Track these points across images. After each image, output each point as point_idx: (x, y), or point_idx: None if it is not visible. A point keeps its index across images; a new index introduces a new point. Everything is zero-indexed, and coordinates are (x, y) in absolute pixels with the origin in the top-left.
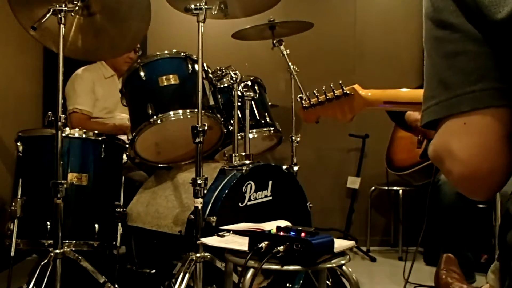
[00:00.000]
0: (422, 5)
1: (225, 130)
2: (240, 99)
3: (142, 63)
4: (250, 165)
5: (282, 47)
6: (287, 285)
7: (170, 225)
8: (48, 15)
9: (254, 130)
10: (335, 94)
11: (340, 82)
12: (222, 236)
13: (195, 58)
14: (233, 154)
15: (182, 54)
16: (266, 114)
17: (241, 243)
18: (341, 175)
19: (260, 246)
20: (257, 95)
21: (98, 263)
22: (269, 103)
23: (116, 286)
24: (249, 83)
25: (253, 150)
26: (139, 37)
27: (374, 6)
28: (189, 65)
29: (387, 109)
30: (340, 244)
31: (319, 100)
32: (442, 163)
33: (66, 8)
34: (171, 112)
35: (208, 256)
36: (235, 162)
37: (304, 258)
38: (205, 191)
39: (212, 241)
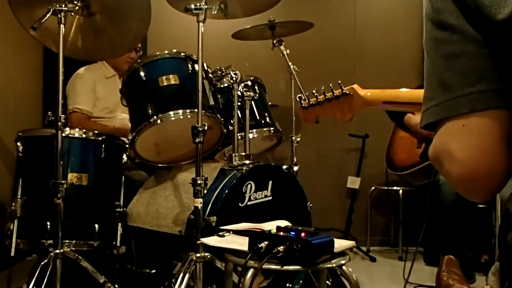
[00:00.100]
0: (422, 5)
1: (225, 130)
2: (240, 99)
3: (142, 63)
4: (250, 165)
5: (282, 47)
6: (287, 285)
7: (170, 225)
8: (48, 15)
9: (254, 130)
10: (334, 94)
11: (339, 82)
12: (222, 236)
13: (195, 58)
14: (233, 154)
15: (182, 54)
16: (266, 114)
17: (241, 243)
18: (341, 175)
19: (260, 246)
20: (257, 95)
21: (98, 263)
22: (269, 103)
23: (116, 286)
24: (249, 83)
25: (253, 150)
26: (139, 37)
27: (374, 6)
28: (189, 65)
29: (386, 109)
30: (340, 244)
31: (318, 100)
32: (441, 164)
33: (66, 8)
34: (171, 112)
35: (208, 256)
36: (235, 162)
37: (304, 258)
38: (205, 191)
39: (212, 241)
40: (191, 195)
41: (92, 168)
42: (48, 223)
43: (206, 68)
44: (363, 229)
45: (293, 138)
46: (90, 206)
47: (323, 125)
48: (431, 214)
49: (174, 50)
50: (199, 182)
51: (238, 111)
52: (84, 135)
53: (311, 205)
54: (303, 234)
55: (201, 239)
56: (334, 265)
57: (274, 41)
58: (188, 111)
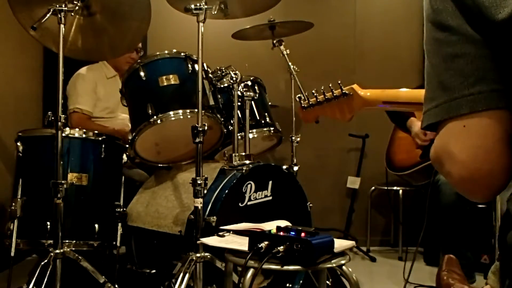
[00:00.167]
0: (422, 5)
1: (225, 130)
2: (240, 99)
3: (142, 63)
4: (250, 165)
5: (282, 47)
6: (287, 285)
7: (170, 225)
8: (48, 15)
9: (254, 130)
10: (334, 94)
11: (339, 82)
12: (222, 236)
13: (195, 58)
14: (233, 154)
15: (182, 54)
16: (266, 114)
17: (241, 243)
18: (341, 175)
19: (260, 246)
20: (257, 95)
21: (98, 263)
22: (269, 103)
23: (116, 286)
24: (249, 83)
25: (253, 150)
26: (139, 37)
27: (374, 7)
28: (189, 65)
29: (386, 109)
30: (340, 244)
31: (318, 100)
32: (442, 165)
33: (66, 8)
34: (171, 112)
35: (208, 256)
36: (235, 162)
37: (304, 258)
38: (205, 191)
39: (212, 241)
40: (191, 195)
41: (92, 168)
42: (48, 223)
43: (206, 68)
44: (363, 229)
45: (293, 138)
46: (90, 206)
47: (323, 125)
48: (431, 214)
49: (174, 50)
50: (199, 182)
51: (238, 111)
52: (84, 135)
53: (311, 205)
54: (303, 234)
55: (201, 239)
56: (334, 265)
57: (274, 41)
58: (188, 111)
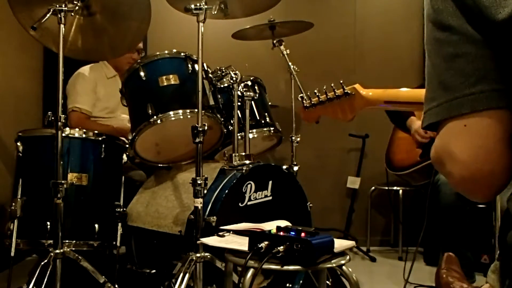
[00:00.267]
0: (422, 5)
1: (225, 130)
2: (240, 99)
3: (142, 63)
4: (250, 165)
5: (282, 47)
6: (287, 285)
7: (170, 225)
8: (48, 15)
9: (254, 130)
10: (336, 94)
11: (341, 81)
12: (222, 236)
13: (195, 58)
14: (233, 154)
15: (182, 54)
16: (266, 114)
17: (241, 243)
18: (341, 175)
19: (260, 246)
20: (257, 95)
21: (98, 263)
22: (269, 103)
23: (116, 286)
24: (249, 83)
25: (253, 150)
26: (139, 37)
27: (374, 7)
28: (189, 65)
29: (387, 109)
30: (340, 244)
31: (320, 99)
32: (443, 165)
33: (66, 8)
34: (171, 112)
35: (208, 256)
36: (235, 162)
37: (304, 258)
38: (205, 191)
39: (212, 241)
40: (191, 195)
41: (92, 168)
42: (48, 223)
43: (206, 68)
44: (363, 229)
45: (293, 138)
46: (90, 206)
47: (323, 125)
48: (431, 214)
49: (174, 50)
50: (199, 182)
51: (238, 111)
52: (84, 135)
53: (311, 205)
54: (303, 234)
55: (201, 239)
56: (334, 265)
57: (274, 41)
58: (188, 111)
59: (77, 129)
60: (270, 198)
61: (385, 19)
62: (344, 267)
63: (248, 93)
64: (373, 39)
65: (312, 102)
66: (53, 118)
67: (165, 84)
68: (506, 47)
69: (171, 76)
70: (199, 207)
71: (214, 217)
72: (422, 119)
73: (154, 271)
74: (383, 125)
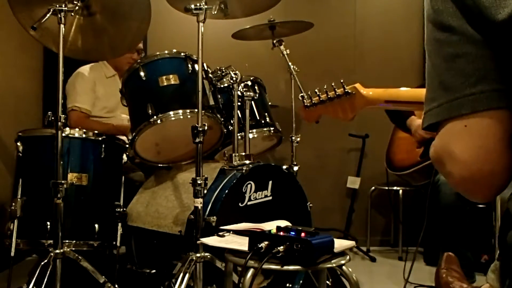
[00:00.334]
0: (422, 5)
1: (225, 130)
2: (240, 99)
3: (142, 63)
4: (250, 165)
5: (282, 47)
6: (287, 285)
7: (170, 225)
8: (48, 15)
9: (254, 130)
10: (337, 93)
11: (342, 81)
12: (222, 236)
13: (195, 58)
14: (233, 154)
15: (182, 54)
16: (266, 114)
17: (241, 243)
18: (341, 175)
19: (260, 246)
20: (257, 95)
21: (98, 263)
22: (269, 103)
23: (116, 286)
24: (249, 83)
25: (253, 150)
26: (139, 37)
27: (374, 7)
28: (189, 65)
29: (388, 108)
30: (340, 244)
31: (321, 98)
32: (443, 165)
33: (66, 8)
34: (171, 112)
35: (208, 256)
36: (235, 162)
37: (304, 258)
38: (205, 191)
39: (212, 241)
40: (191, 195)
41: (92, 168)
42: (48, 223)
43: (206, 68)
44: (363, 229)
45: (293, 138)
46: (90, 206)
47: (323, 125)
48: (431, 214)
49: (174, 50)
50: (199, 182)
51: (238, 111)
52: (84, 135)
53: (311, 205)
54: (303, 234)
55: (201, 239)
56: (334, 265)
57: (274, 41)
58: (188, 111)
59: (77, 129)
60: (270, 198)
61: (385, 19)
62: (344, 267)
63: (248, 93)
64: (373, 39)
65: (313, 101)
66: (53, 118)
67: (165, 84)
68: (506, 47)
69: (171, 76)
70: (199, 207)
71: (214, 217)
72: (422, 120)
73: (154, 271)
74: (383, 125)
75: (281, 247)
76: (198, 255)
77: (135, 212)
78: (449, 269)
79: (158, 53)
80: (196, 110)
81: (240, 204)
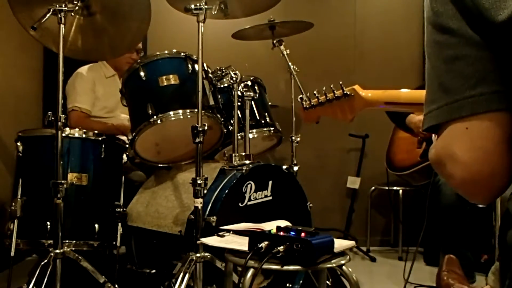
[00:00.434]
0: (422, 5)
1: (225, 130)
2: (240, 99)
3: (142, 63)
4: (250, 165)
5: (282, 47)
6: (287, 285)
7: (170, 225)
8: (48, 15)
9: (254, 130)
10: (335, 95)
11: (340, 82)
12: (222, 236)
13: (195, 58)
14: (233, 154)
15: (182, 54)
16: (266, 114)
17: (241, 243)
18: (341, 175)
19: (260, 246)
20: (257, 95)
21: (98, 263)
22: (269, 103)
23: (116, 286)
24: (249, 83)
25: (253, 150)
26: (139, 37)
27: (374, 7)
28: (189, 65)
29: (387, 110)
30: (340, 244)
31: (320, 100)
32: (443, 166)
33: (66, 8)
34: (171, 112)
35: (208, 256)
36: (235, 162)
37: (304, 258)
38: (205, 191)
39: (212, 241)
40: (191, 195)
41: (92, 168)
42: (48, 223)
43: (206, 68)
44: (363, 229)
45: (293, 138)
46: (90, 206)
47: (323, 125)
48: (431, 214)
49: (174, 50)
50: (199, 182)
51: (238, 111)
52: (84, 135)
53: (311, 205)
54: (303, 234)
55: (201, 239)
56: (334, 265)
57: (274, 41)
58: (188, 111)
59: (77, 129)
60: (270, 198)
61: (385, 19)
62: (344, 267)
63: (248, 93)
64: (373, 39)
65: (312, 103)
66: (53, 118)
67: (165, 84)
68: (506, 49)
69: (171, 76)
70: (199, 207)
71: (214, 217)
72: (423, 122)
73: (154, 271)
74: (383, 125)
75: (281, 247)
76: (198, 255)
77: (135, 212)
78: (450, 271)
79: (158, 53)
80: (196, 110)
81: (240, 204)
